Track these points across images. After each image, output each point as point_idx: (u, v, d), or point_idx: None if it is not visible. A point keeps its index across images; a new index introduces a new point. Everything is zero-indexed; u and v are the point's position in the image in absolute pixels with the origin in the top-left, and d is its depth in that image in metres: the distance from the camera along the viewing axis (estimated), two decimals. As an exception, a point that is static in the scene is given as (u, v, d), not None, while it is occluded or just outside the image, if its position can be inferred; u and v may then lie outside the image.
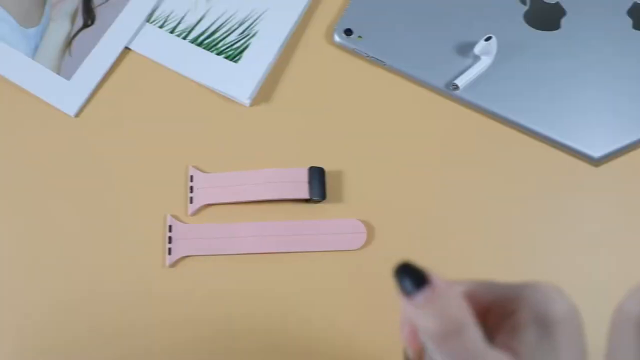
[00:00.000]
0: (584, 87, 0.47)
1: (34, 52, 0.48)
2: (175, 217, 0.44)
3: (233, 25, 0.49)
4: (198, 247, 0.43)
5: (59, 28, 0.48)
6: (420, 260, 0.44)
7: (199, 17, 0.49)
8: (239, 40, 0.48)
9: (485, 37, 0.45)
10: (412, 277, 0.21)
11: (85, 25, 0.49)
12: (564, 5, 0.49)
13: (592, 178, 0.46)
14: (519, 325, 0.22)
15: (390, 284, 0.42)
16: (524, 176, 0.46)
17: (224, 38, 0.48)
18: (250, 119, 0.47)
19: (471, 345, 0.21)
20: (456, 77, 0.46)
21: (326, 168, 0.45)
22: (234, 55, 0.48)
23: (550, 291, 0.22)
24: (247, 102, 0.47)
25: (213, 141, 0.47)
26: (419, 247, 0.44)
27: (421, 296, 0.21)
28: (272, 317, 0.42)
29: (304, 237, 0.44)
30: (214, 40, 0.48)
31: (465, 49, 0.47)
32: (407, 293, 0.21)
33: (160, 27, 0.49)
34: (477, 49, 0.46)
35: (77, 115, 0.47)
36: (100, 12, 0.49)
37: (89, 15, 0.49)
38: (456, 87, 0.46)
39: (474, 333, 0.21)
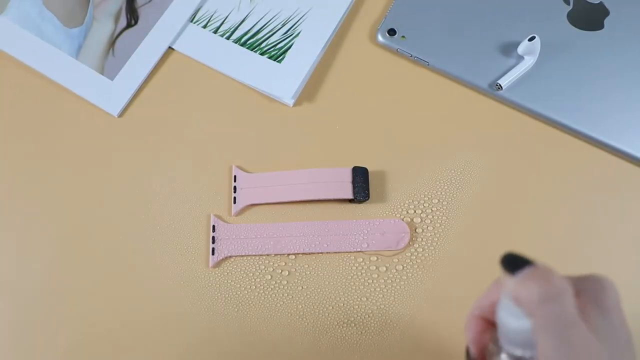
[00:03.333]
0: (627, 87, 0.46)
1: (77, 52, 0.48)
2: (218, 217, 0.44)
3: (276, 25, 0.49)
4: (241, 247, 0.43)
5: (102, 28, 0.49)
6: (465, 259, 0.44)
7: (242, 17, 0.49)
8: (283, 40, 0.48)
9: (529, 37, 0.45)
10: (516, 261, 0.25)
11: (129, 25, 0.49)
12: (607, 5, 0.48)
13: (635, 178, 0.45)
14: (584, 309, 0.24)
15: (437, 284, 0.43)
16: (567, 176, 0.46)
17: (267, 38, 0.48)
18: (293, 118, 0.47)
19: (568, 309, 0.23)
20: (500, 77, 0.46)
21: (369, 168, 0.45)
22: (277, 55, 0.48)
23: (608, 283, 0.25)
24: (290, 102, 0.47)
25: (256, 141, 0.47)
26: (463, 247, 0.44)
27: (525, 271, 0.24)
28: (316, 317, 0.42)
29: (347, 237, 0.44)
30: (257, 40, 0.48)
31: (508, 49, 0.47)
32: (512, 272, 0.24)
33: (204, 27, 0.49)
34: (520, 49, 0.46)
35: (120, 115, 0.47)
36: (143, 12, 0.49)
37: (132, 15, 0.49)
38: (500, 87, 0.46)
39: (570, 301, 0.23)
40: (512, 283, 0.24)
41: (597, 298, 0.25)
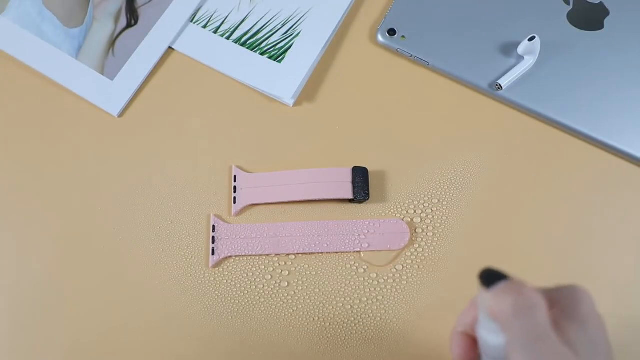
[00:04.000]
0: (627, 87, 0.46)
1: (77, 52, 0.48)
2: (219, 217, 0.44)
3: (276, 25, 0.49)
4: (241, 247, 0.43)
5: (103, 28, 0.49)
6: (465, 259, 0.44)
7: (242, 17, 0.49)
8: (283, 40, 0.48)
9: (529, 37, 0.45)
10: (493, 276, 0.25)
11: (129, 25, 0.49)
12: (607, 5, 0.48)
13: (635, 178, 0.45)
14: (559, 321, 0.25)
15: (437, 284, 0.43)
16: (567, 176, 0.46)
17: (267, 38, 0.48)
18: (293, 118, 0.47)
19: (540, 322, 0.23)
20: (500, 77, 0.46)
21: (369, 168, 0.45)
22: (277, 55, 0.48)
23: (581, 292, 0.26)
24: (290, 102, 0.47)
25: (256, 141, 0.47)
26: (463, 247, 0.44)
27: (500, 285, 0.24)
28: (315, 317, 0.42)
29: (347, 237, 0.43)
30: (257, 40, 0.48)
31: (508, 49, 0.47)
32: (487, 286, 0.25)
33: (204, 27, 0.49)
34: (520, 49, 0.46)
35: (120, 115, 0.47)
36: (143, 12, 0.49)
37: (132, 15, 0.49)
38: (500, 87, 0.46)
39: (543, 313, 0.24)
40: (487, 297, 0.25)
41: (571, 309, 0.25)
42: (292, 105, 0.47)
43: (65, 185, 0.46)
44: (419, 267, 0.43)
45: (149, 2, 0.50)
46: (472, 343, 0.28)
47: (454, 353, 0.28)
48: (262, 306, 0.42)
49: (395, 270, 0.43)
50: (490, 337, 0.25)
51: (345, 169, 0.44)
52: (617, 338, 0.26)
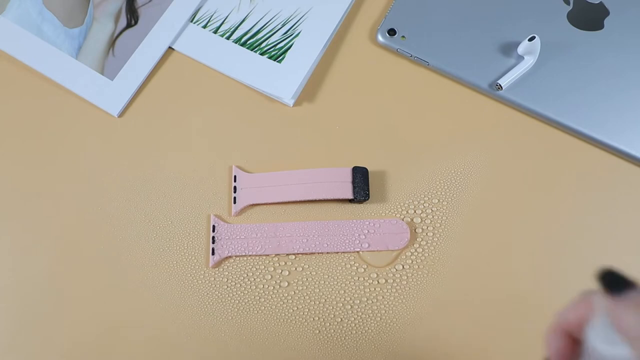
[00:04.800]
0: (627, 87, 0.46)
1: (77, 52, 0.48)
2: (219, 217, 0.44)
3: (276, 25, 0.49)
4: (241, 247, 0.43)
5: (103, 28, 0.49)
6: (465, 259, 0.44)
7: (242, 17, 0.49)
8: (283, 40, 0.48)
9: (529, 37, 0.45)
10: (619, 282, 0.22)
11: (129, 26, 0.49)
12: (608, 5, 0.48)
13: (635, 178, 0.45)
14: None
15: (437, 284, 0.43)
16: (567, 176, 0.46)
17: (267, 38, 0.48)
18: (293, 119, 0.47)
19: None
20: (500, 77, 0.46)
21: (369, 168, 0.45)
22: (277, 55, 0.48)
23: None
24: (290, 102, 0.47)
25: (256, 141, 0.47)
26: (462, 247, 0.44)
27: (632, 296, 0.21)
28: (315, 317, 0.42)
29: (347, 237, 0.43)
30: (257, 40, 0.48)
31: (508, 49, 0.47)
32: (614, 293, 0.22)
33: (204, 27, 0.49)
34: (520, 49, 0.46)
35: (120, 115, 0.47)
36: (143, 12, 0.49)
37: (132, 15, 0.49)
38: (500, 87, 0.46)
39: None
40: (614, 307, 0.22)
41: None
42: (292, 105, 0.47)
43: (64, 185, 0.46)
44: (419, 267, 0.43)
45: (149, 2, 0.50)
46: (572, 343, 0.25)
47: (550, 349, 0.25)
48: (262, 306, 0.42)
49: (395, 270, 0.43)
50: (605, 347, 0.22)
51: (345, 169, 0.44)
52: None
